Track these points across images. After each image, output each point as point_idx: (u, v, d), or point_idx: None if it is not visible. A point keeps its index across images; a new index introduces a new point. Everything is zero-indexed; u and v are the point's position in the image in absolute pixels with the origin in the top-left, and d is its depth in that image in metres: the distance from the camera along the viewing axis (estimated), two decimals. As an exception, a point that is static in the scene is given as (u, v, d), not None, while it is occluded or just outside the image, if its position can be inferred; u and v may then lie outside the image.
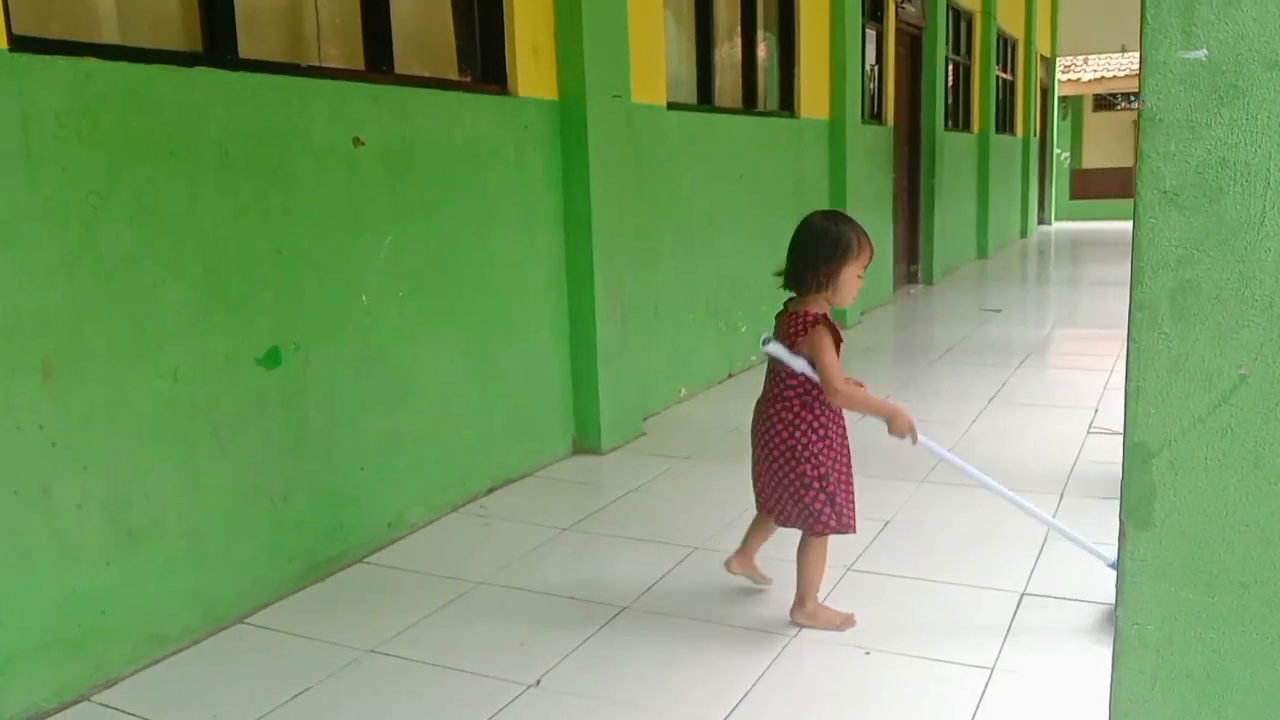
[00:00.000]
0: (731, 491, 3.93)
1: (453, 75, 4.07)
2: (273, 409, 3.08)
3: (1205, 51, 0.69)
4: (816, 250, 2.65)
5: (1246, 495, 0.73)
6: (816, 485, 2.67)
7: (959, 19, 11.83)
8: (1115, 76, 23.92)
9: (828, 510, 2.68)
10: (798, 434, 2.69)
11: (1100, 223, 20.93)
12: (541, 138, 4.27)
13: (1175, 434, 0.75)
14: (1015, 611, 2.83)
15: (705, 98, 5.91)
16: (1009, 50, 15.11)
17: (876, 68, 9.09)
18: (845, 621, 2.78)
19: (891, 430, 2.65)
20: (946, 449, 2.84)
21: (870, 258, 2.68)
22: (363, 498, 3.42)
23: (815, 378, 2.66)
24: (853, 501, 2.75)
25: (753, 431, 2.85)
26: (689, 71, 5.82)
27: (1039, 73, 17.61)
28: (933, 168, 10.53)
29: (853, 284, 2.67)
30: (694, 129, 5.59)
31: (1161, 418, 0.75)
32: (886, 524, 3.53)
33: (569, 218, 4.41)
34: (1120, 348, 6.59)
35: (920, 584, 3.06)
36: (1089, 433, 4.66)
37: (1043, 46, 17.93)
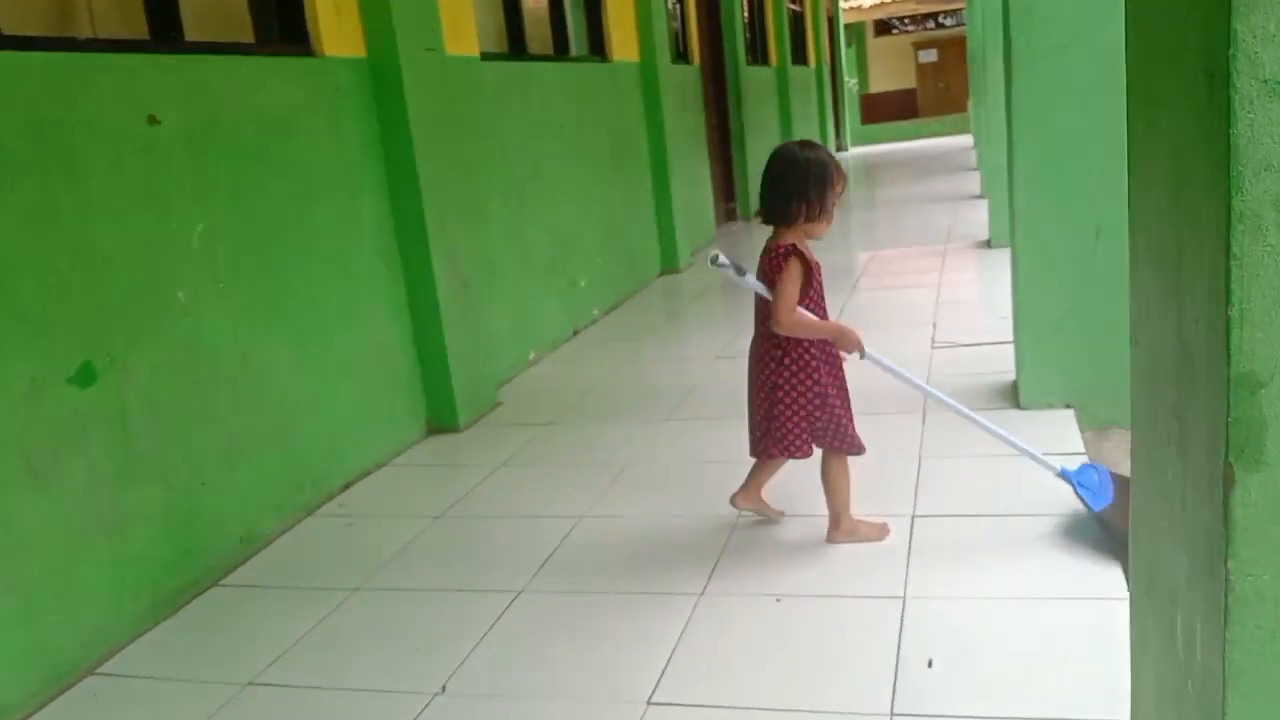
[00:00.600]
0: (604, 452, 3.82)
1: (250, 39, 3.69)
2: (94, 433, 2.72)
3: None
4: (805, 179, 2.63)
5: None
6: (814, 409, 2.71)
7: (747, -47, 11.89)
8: (893, 1, 24.77)
9: (835, 428, 2.75)
10: (784, 369, 2.72)
11: (891, 144, 21.80)
12: (355, 100, 3.94)
13: (1288, 359, 0.65)
14: (911, 534, 2.83)
15: (517, 46, 5.67)
16: (796, -19, 15.36)
17: (679, 6, 9.01)
18: (882, 531, 2.82)
19: (840, 348, 2.71)
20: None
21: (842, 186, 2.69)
22: (208, 515, 3.09)
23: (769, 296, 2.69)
24: (853, 423, 2.80)
25: (748, 371, 2.87)
26: (498, 19, 5.55)
27: (825, 2, 18.02)
28: (740, 104, 10.60)
29: (830, 213, 2.70)
30: (510, 80, 5.35)
31: (1270, 342, 0.65)
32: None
33: (394, 184, 4.11)
34: (939, 263, 6.84)
35: (806, 520, 3.01)
36: (933, 348, 4.78)
37: (825, -24, 18.34)
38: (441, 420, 4.31)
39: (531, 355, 5.37)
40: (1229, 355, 0.66)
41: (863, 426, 2.86)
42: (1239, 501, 0.68)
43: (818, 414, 2.72)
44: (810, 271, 2.68)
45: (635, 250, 7.21)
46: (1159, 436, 0.89)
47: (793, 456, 2.77)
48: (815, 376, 2.72)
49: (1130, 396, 1.06)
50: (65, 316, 2.66)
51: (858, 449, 2.79)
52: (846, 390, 2.81)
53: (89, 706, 2.48)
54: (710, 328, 6.09)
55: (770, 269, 2.69)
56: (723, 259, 2.72)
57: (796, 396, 2.71)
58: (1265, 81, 0.61)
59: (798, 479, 3.22)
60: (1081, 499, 2.73)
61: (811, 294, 2.70)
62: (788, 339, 2.70)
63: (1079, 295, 3.57)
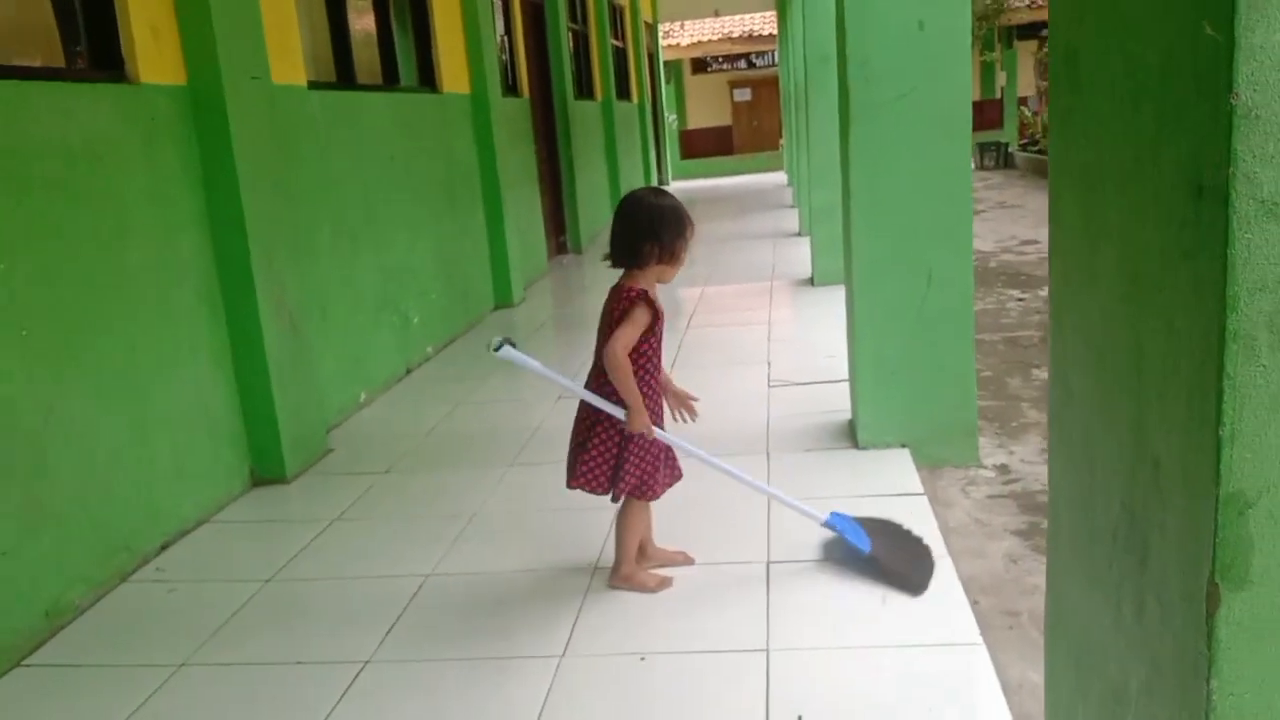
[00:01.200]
0: (448, 502, 3.67)
1: (60, 64, 3.38)
2: None
3: (1309, 31, 0.58)
4: (658, 225, 2.67)
5: (1353, 539, 0.64)
6: (617, 450, 2.73)
7: (574, -12, 11.96)
8: (710, 40, 25.55)
9: (642, 478, 2.77)
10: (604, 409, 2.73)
11: (709, 180, 22.39)
12: (174, 130, 3.67)
13: (1274, 479, 0.64)
14: (768, 582, 2.83)
15: (346, 76, 5.45)
16: (619, 17, 15.57)
17: (506, 39, 8.94)
18: (663, 583, 2.84)
19: (629, 423, 2.68)
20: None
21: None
22: (7, 589, 2.77)
23: (563, 382, 2.84)
24: (660, 472, 2.82)
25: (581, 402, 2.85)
26: (326, 48, 5.33)
27: (645, 39, 18.36)
28: (568, 137, 10.61)
29: (679, 262, 2.75)
30: (339, 110, 5.14)
31: (1258, 463, 0.64)
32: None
33: (216, 220, 3.85)
34: (767, 300, 7.02)
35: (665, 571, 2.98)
36: (770, 387, 4.86)
37: (646, 12, 18.71)
38: (267, 471, 4.04)
39: (363, 396, 5.14)
40: (1219, 474, 0.65)
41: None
42: (1224, 620, 0.67)
43: (631, 460, 2.74)
44: (656, 319, 2.72)
45: (469, 285, 7.06)
46: (1099, 528, 0.88)
47: (591, 491, 2.79)
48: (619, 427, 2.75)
49: (1050, 473, 1.05)
50: None
51: (653, 496, 2.83)
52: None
53: None
54: (549, 365, 5.99)
55: (616, 309, 2.70)
56: (505, 350, 2.84)
57: (613, 436, 2.73)
58: (1263, 202, 0.61)
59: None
60: (852, 544, 2.84)
61: (652, 340, 2.75)
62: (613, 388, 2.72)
63: (913, 339, 3.71)
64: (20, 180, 2.94)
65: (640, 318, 2.66)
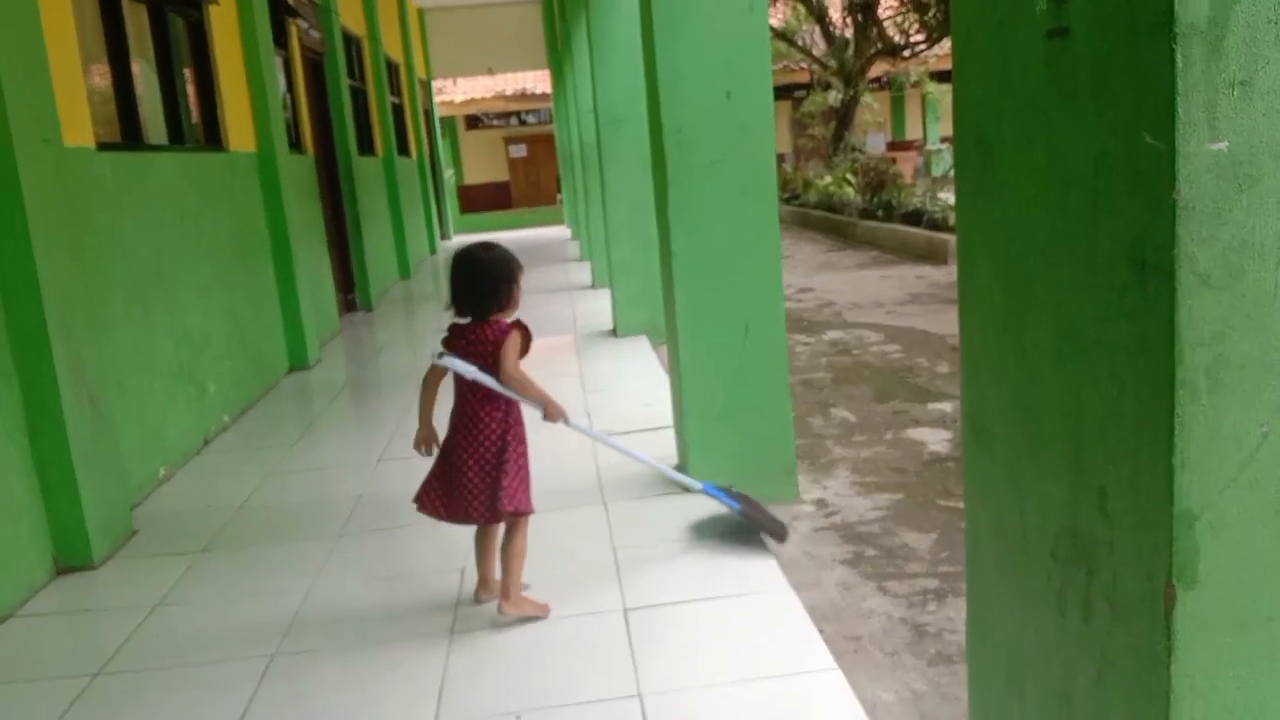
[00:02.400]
0: (280, 579, 3.54)
1: None
2: None
3: (1227, 144, 0.75)
4: (496, 276, 2.94)
5: (1272, 540, 0.81)
6: (515, 472, 2.96)
7: (350, 44, 11.82)
8: (484, 98, 25.75)
9: (524, 493, 2.99)
10: (511, 428, 2.97)
11: (490, 233, 22.47)
12: (-42, 196, 3.40)
13: (1213, 496, 0.80)
14: (628, 629, 2.91)
15: (133, 136, 5.19)
16: (395, 74, 15.48)
17: (289, 95, 8.73)
18: (545, 609, 3.04)
19: (546, 416, 3.00)
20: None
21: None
22: None
23: (486, 381, 2.92)
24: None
25: (454, 449, 2.99)
26: (111, 107, 5.05)
27: (420, 95, 18.32)
28: (353, 194, 10.44)
29: (519, 298, 3.00)
30: (128, 172, 4.88)
31: (1202, 484, 0.80)
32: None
33: (8, 288, 3.58)
34: (575, 353, 7.16)
35: (529, 626, 3.00)
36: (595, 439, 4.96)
37: (420, 69, 18.67)
38: (71, 557, 3.75)
39: (162, 472, 4.85)
40: (1172, 495, 0.80)
41: (550, 520, 3.07)
42: (1179, 615, 0.82)
43: (526, 474, 3.01)
44: (528, 343, 3.00)
45: (262, 348, 6.79)
46: (1033, 549, 1.03)
47: (526, 512, 2.98)
48: (525, 438, 3.05)
49: (969, 502, 1.20)
50: None
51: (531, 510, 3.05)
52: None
53: None
54: (361, 428, 5.88)
55: (494, 339, 2.95)
56: (446, 358, 2.97)
57: (522, 453, 3.00)
58: (1200, 275, 0.77)
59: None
60: (728, 505, 3.45)
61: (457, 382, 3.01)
62: (509, 403, 2.97)
63: (735, 385, 3.93)
64: None
65: (516, 340, 2.95)
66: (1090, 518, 0.92)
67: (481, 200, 26.53)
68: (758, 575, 3.20)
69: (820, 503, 4.07)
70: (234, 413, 6.01)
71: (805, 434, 5.08)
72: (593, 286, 10.32)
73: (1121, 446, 0.86)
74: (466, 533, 3.43)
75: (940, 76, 21.47)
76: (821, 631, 2.88)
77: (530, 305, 3.22)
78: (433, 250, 17.26)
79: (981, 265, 1.11)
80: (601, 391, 5.87)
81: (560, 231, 20.06)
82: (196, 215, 5.77)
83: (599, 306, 8.85)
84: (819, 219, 16.18)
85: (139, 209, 4.96)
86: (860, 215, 14.52)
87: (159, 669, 2.95)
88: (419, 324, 9.60)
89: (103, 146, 4.60)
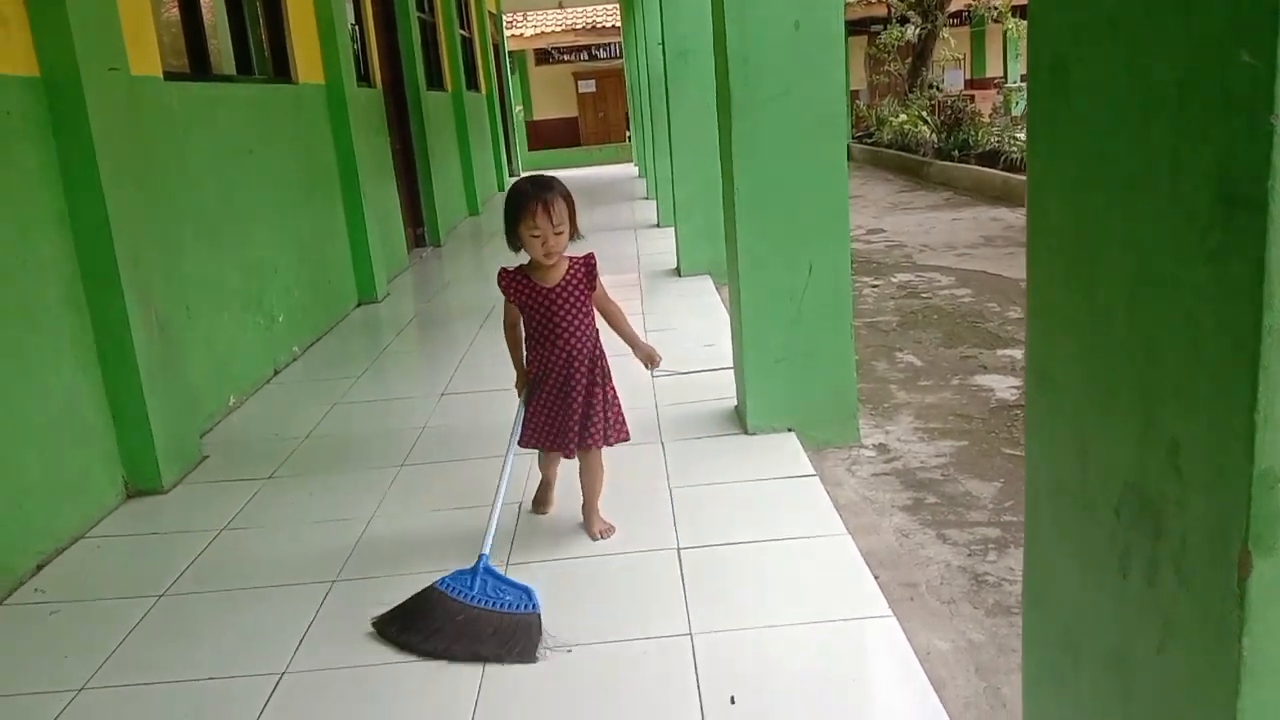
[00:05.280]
0: (341, 507, 3.60)
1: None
2: None
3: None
4: (506, 213, 2.91)
5: (1359, 500, 0.74)
6: (609, 403, 3.08)
7: (421, -24, 11.74)
8: (554, 32, 25.48)
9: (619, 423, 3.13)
10: (599, 364, 3.06)
11: (558, 171, 22.39)
12: (28, 124, 3.45)
13: (1297, 454, 0.73)
14: (681, 568, 2.90)
15: (200, 67, 5.22)
16: (465, 8, 15.37)
17: (357, 28, 8.71)
18: (613, 530, 3.17)
19: (647, 354, 3.22)
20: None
21: (547, 215, 2.84)
22: None
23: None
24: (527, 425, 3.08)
25: (557, 377, 3.02)
26: (178, 37, 5.08)
27: (491, 29, 18.19)
28: (422, 129, 10.44)
29: (530, 242, 2.88)
30: (195, 102, 4.92)
31: (1286, 440, 0.73)
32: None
33: (78, 219, 3.64)
34: (638, 292, 7.11)
35: (561, 564, 3.01)
36: (654, 376, 4.94)
37: (490, 3, 18.52)
38: (142, 481, 3.85)
39: (232, 400, 4.95)
40: (1252, 454, 0.74)
41: (606, 456, 3.15)
42: (1255, 584, 0.76)
43: (618, 403, 3.13)
44: (511, 300, 3.03)
45: (331, 281, 6.87)
46: (1096, 507, 0.97)
47: (621, 440, 3.12)
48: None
49: (1030, 454, 1.14)
50: None
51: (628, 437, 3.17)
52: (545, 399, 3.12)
53: None
54: (426, 361, 5.94)
55: (583, 279, 3.02)
56: None
57: (611, 385, 3.10)
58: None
59: (547, 525, 3.24)
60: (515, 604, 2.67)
61: (533, 319, 3.03)
62: (598, 340, 3.07)
63: (796, 327, 3.85)
64: None
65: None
66: (1159, 474, 0.86)
67: (549, 137, 26.42)
68: (814, 519, 3.16)
69: (881, 447, 4.00)
70: (303, 344, 6.10)
71: (869, 378, 4.99)
72: (658, 225, 10.23)
73: (1198, 398, 0.80)
74: (526, 466, 3.46)
75: (1022, 11, 20.63)
76: (877, 578, 2.83)
77: (594, 244, 3.16)
78: (501, 187, 17.26)
79: (1052, 202, 1.03)
80: (663, 331, 5.82)
81: (628, 169, 19.92)
82: (265, 147, 5.81)
83: (664, 246, 8.77)
84: (892, 158, 15.80)
85: (207, 140, 5.00)
86: (935, 155, 14.14)
87: (223, 591, 3.03)
88: (487, 260, 9.62)
89: (170, 76, 4.63)
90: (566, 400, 3.00)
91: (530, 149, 24.63)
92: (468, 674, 2.45)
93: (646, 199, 13.03)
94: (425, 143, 10.45)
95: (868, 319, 6.28)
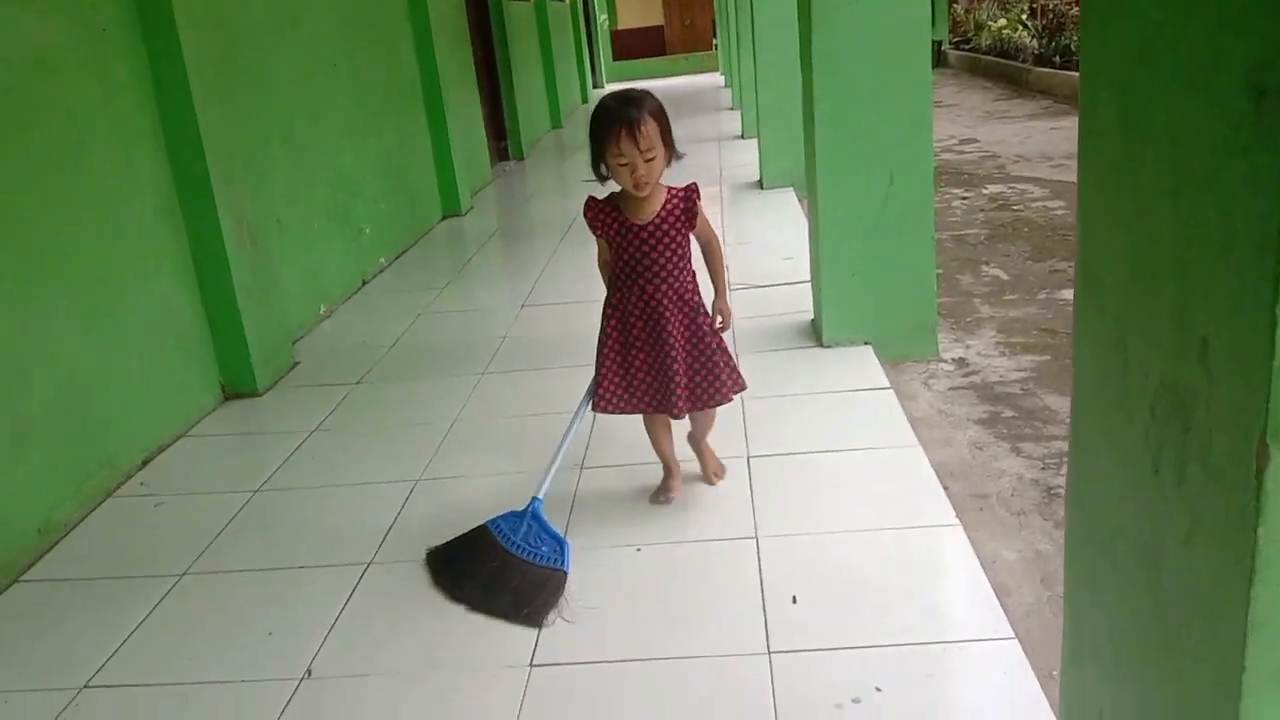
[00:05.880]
0: (425, 411, 3.73)
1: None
2: None
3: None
4: (591, 138, 2.51)
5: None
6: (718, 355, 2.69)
7: (503, -119, 11.56)
8: (640, -63, 24.85)
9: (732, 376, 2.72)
10: (700, 312, 2.66)
11: (643, 81, 22.08)
12: (123, 41, 3.56)
13: (1323, 349, 0.74)
14: (750, 475, 2.95)
15: (286, -22, 5.27)
16: (548, -88, 15.09)
17: (440, -64, 8.65)
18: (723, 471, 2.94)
19: (726, 305, 2.75)
20: None
21: (633, 140, 2.41)
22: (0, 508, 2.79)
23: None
24: (614, 387, 2.68)
25: (651, 329, 2.62)
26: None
27: (575, -65, 17.85)
28: (505, 40, 10.40)
29: (618, 172, 2.48)
30: (280, 13, 4.99)
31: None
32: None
33: (171, 132, 3.76)
34: (719, 205, 7.06)
35: (633, 470, 3.08)
36: (732, 290, 4.95)
37: (575, -91, 18.14)
38: (238, 385, 4.05)
39: (323, 309, 5.12)
40: (1273, 349, 0.74)
41: None
42: (1272, 476, 0.77)
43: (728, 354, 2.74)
44: (599, 236, 2.63)
45: (416, 194, 6.98)
46: (1134, 404, 0.98)
47: (738, 391, 2.73)
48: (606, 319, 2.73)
49: (1078, 359, 1.15)
50: None
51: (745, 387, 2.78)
52: (622, 350, 2.73)
53: (-112, 737, 2.20)
54: (507, 275, 6.03)
55: (682, 211, 2.57)
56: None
57: (719, 334, 2.70)
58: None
59: (621, 434, 3.30)
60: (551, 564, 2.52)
61: (621, 256, 2.61)
62: (696, 287, 2.65)
63: (874, 239, 3.81)
64: (-24, 93, 2.85)
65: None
66: (1190, 371, 0.86)
67: (635, 46, 25.98)
68: (885, 431, 3.17)
69: (960, 361, 3.97)
70: (389, 256, 6.25)
71: (952, 291, 4.92)
72: (742, 136, 10.09)
73: (1227, 295, 0.80)
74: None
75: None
76: (947, 489, 2.84)
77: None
78: (584, 100, 17.15)
79: (1103, 101, 1.02)
80: (742, 244, 5.80)
81: (714, 79, 19.55)
82: (349, 59, 5.88)
83: (747, 158, 8.66)
84: (990, 65, 15.21)
85: (293, 51, 5.08)
86: (1035, 61, 13.56)
87: (313, 488, 3.19)
88: (569, 174, 9.64)
89: (257, -11, 4.70)
90: (663, 354, 2.60)
91: (615, 59, 24.29)
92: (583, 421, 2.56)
93: (732, 109, 12.82)
94: (507, 53, 10.42)
95: (954, 231, 6.16)
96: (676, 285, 2.59)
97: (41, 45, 3.15)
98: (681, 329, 2.61)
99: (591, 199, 2.61)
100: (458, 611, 2.43)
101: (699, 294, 2.66)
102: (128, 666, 2.34)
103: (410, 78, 7.11)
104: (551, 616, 2.34)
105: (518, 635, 2.30)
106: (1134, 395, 1.00)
